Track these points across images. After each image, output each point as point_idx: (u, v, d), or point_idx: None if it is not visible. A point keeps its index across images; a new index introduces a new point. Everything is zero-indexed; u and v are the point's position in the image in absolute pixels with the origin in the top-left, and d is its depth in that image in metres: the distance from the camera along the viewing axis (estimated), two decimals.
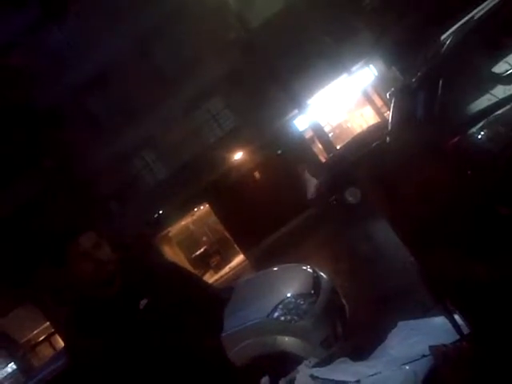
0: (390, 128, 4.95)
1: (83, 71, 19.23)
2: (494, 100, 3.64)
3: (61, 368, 4.30)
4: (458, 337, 2.82)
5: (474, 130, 3.44)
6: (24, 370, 18.80)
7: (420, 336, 3.21)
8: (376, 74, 18.97)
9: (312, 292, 4.64)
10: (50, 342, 20.15)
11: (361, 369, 2.86)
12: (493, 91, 3.78)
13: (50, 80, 19.15)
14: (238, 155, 19.94)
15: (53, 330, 19.79)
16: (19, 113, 19.01)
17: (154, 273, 2.24)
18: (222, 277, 18.77)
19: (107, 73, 19.44)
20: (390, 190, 2.70)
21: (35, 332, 20.48)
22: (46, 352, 18.96)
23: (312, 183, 16.30)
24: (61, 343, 18.31)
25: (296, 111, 18.93)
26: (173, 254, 21.32)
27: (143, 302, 2.11)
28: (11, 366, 19.93)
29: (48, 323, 19.94)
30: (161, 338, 2.09)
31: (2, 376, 19.89)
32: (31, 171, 19.45)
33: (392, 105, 5.12)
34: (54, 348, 18.95)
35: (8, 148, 18.93)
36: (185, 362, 2.10)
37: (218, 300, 2.43)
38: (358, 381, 2.66)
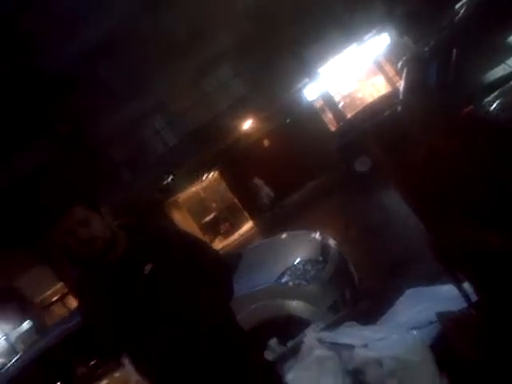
0: (401, 97, 4.90)
1: (94, 35, 19.03)
2: (509, 70, 3.58)
3: (75, 327, 4.42)
4: (465, 305, 2.85)
5: (488, 99, 3.40)
6: (39, 327, 19.28)
7: (427, 303, 3.25)
8: (388, 43, 18.62)
9: (320, 258, 4.68)
10: (63, 302, 20.56)
11: (368, 333, 2.91)
12: (508, 61, 3.71)
13: (61, 44, 19.01)
14: (248, 123, 19.83)
15: (66, 291, 20.18)
16: (32, 78, 18.96)
17: (162, 238, 2.25)
18: (231, 243, 18.93)
19: (118, 37, 19.22)
20: (401, 158, 2.69)
21: (49, 292, 20.88)
22: (60, 312, 19.37)
23: (264, 190, 17.11)
24: (74, 303, 18.74)
25: (306, 80, 18.71)
26: (183, 220, 21.46)
27: (148, 267, 2.13)
28: (27, 324, 20.46)
29: (61, 284, 20.32)
30: (167, 303, 2.12)
31: (19, 333, 20.47)
32: (45, 136, 19.52)
33: (404, 74, 5.05)
34: (67, 308, 19.36)
35: (21, 113, 18.96)
36: (192, 326, 2.13)
37: (225, 266, 2.45)
38: (365, 345, 2.71)
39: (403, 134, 2.93)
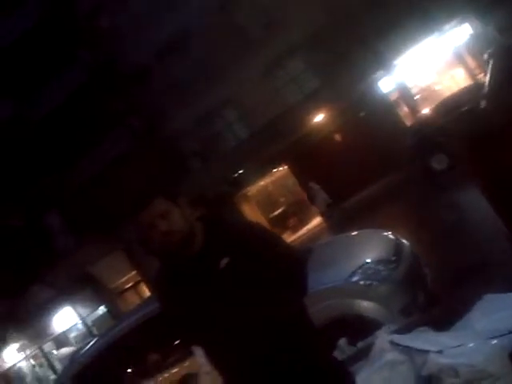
0: (487, 91, 4.65)
1: (166, 31, 19.52)
2: None
3: (149, 315, 4.54)
4: None
5: None
6: (113, 313, 20.16)
7: (507, 311, 3.07)
8: (471, 32, 17.74)
9: (393, 258, 4.56)
10: (136, 289, 21.35)
11: (443, 339, 2.79)
12: None
13: (135, 41, 19.67)
14: (320, 117, 19.64)
15: (139, 279, 20.94)
16: (108, 73, 19.79)
17: (237, 231, 2.25)
18: (299, 238, 18.88)
19: (190, 32, 19.61)
20: (487, 156, 2.54)
21: (123, 279, 21.73)
22: (132, 299, 20.15)
23: (321, 195, 16.27)
24: (146, 291, 19.45)
25: (381, 72, 18.24)
26: (252, 213, 21.64)
27: (224, 261, 2.14)
28: (102, 309, 21.46)
29: (135, 272, 21.10)
30: (242, 297, 2.12)
31: (94, 317, 21.55)
32: (119, 130, 20.35)
33: (490, 66, 4.78)
34: (140, 296, 20.09)
35: (97, 108, 19.86)
36: (266, 320, 2.12)
37: (299, 260, 2.41)
38: (440, 351, 2.60)
39: (489, 130, 2.77)
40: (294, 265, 2.31)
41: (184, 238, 2.11)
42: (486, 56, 4.85)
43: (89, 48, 20.27)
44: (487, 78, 4.81)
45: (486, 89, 4.66)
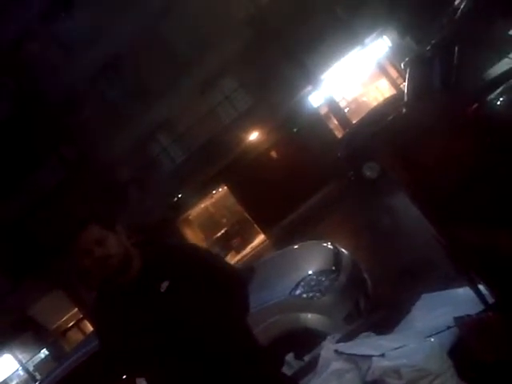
0: (406, 99, 4.86)
1: (96, 56, 19.21)
2: None
3: (91, 351, 4.38)
4: (482, 307, 2.79)
5: (492, 95, 3.35)
6: (56, 355, 19.31)
7: (444, 308, 3.18)
8: (390, 44, 18.61)
9: (333, 268, 4.63)
10: (79, 327, 20.61)
11: (385, 342, 2.84)
12: (511, 55, 3.66)
13: (63, 67, 19.20)
14: (254, 135, 19.85)
15: (81, 316, 20.20)
16: (35, 102, 19.15)
17: (176, 255, 2.23)
18: (243, 257, 18.86)
19: (120, 57, 19.38)
20: (409, 162, 2.64)
21: (64, 318, 20.94)
22: (76, 337, 19.42)
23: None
24: (90, 328, 18.74)
25: (310, 87, 18.73)
26: (195, 236, 21.45)
27: (164, 285, 2.11)
28: (43, 352, 20.50)
29: (76, 309, 20.35)
30: (184, 320, 2.09)
31: (36, 361, 20.53)
32: (52, 161, 19.66)
33: (407, 75, 5.02)
34: (84, 333, 19.38)
35: (28, 138, 19.13)
36: (209, 341, 2.10)
37: (240, 280, 2.42)
38: (382, 354, 2.65)
39: (410, 136, 2.88)
40: (236, 284, 2.31)
41: (121, 263, 2.07)
42: (402, 65, 5.08)
43: (14, 77, 19.54)
44: (405, 87, 5.02)
45: (405, 97, 4.86)
